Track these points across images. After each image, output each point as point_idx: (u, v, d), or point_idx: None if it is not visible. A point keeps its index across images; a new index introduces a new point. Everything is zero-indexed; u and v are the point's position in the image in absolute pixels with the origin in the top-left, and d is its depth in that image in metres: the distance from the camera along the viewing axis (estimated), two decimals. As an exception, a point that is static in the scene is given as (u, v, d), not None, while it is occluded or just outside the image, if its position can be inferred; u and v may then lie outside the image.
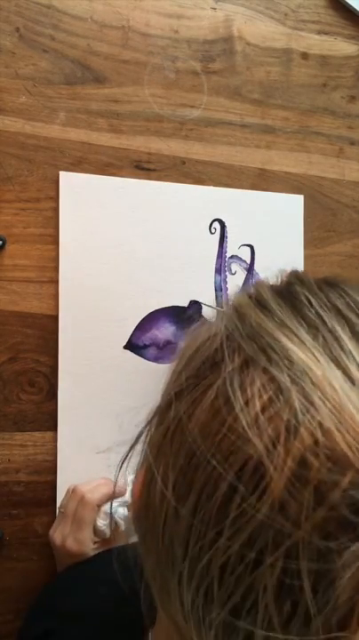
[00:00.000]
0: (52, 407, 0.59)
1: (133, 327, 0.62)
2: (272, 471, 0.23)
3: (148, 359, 0.62)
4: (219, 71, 0.67)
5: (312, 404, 0.24)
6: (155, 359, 0.63)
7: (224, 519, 0.24)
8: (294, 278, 0.33)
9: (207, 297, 0.65)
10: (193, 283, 0.65)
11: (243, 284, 0.67)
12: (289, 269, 0.35)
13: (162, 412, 0.30)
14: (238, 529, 0.24)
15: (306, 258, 0.70)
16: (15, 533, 0.58)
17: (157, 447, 0.29)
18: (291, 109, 0.70)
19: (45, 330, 0.59)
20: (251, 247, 0.67)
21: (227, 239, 0.66)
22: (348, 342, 0.26)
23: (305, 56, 0.71)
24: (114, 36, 0.62)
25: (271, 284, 0.33)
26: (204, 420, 0.26)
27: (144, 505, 0.29)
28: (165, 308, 0.63)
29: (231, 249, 0.66)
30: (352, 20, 0.73)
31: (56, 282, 0.60)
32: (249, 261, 0.67)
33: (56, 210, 0.60)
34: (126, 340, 0.62)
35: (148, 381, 0.62)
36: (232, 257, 0.67)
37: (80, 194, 0.60)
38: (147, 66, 0.63)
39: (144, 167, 0.63)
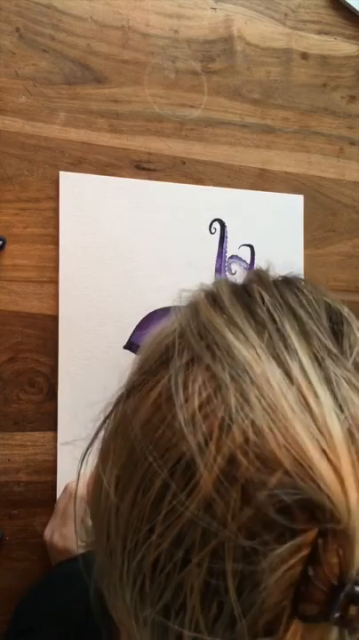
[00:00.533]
0: (52, 407, 0.59)
1: (133, 327, 0.62)
2: (202, 469, 0.23)
3: (148, 359, 0.62)
4: (219, 71, 0.67)
5: (247, 401, 0.24)
6: (155, 359, 0.63)
7: (156, 516, 0.24)
8: (254, 275, 0.32)
9: (207, 297, 0.65)
10: (193, 283, 0.64)
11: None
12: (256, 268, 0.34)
13: (113, 408, 0.31)
14: (168, 526, 0.24)
15: (305, 258, 0.70)
16: (15, 533, 0.58)
17: (105, 443, 0.30)
18: (291, 109, 0.70)
19: (45, 330, 0.59)
20: (251, 247, 0.67)
21: (227, 239, 0.66)
22: (295, 340, 0.26)
23: (305, 56, 0.71)
24: (114, 36, 0.62)
25: (230, 282, 0.33)
26: (146, 416, 0.26)
27: (93, 500, 0.30)
28: (165, 307, 0.63)
29: (231, 249, 0.66)
30: (352, 20, 0.73)
31: (56, 282, 0.60)
32: (249, 261, 0.67)
33: (56, 210, 0.60)
34: (126, 340, 0.62)
35: (148, 381, 0.62)
36: (232, 257, 0.67)
37: (80, 194, 0.60)
38: (147, 66, 0.63)
39: (144, 167, 0.63)
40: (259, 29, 0.68)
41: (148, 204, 0.63)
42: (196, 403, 0.25)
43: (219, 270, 0.66)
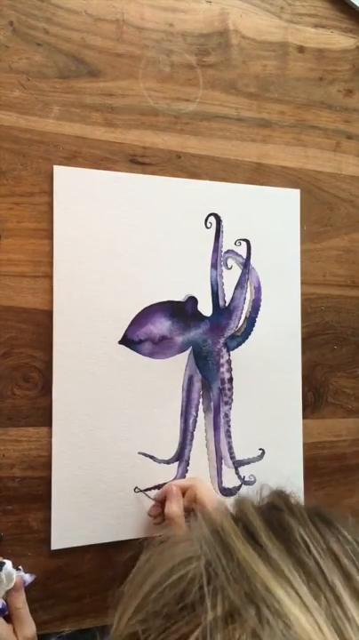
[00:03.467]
0: (47, 402, 0.59)
1: (128, 322, 0.62)
2: None
3: (144, 354, 0.62)
4: (215, 65, 0.66)
5: None
6: (151, 354, 0.62)
7: None
8: (281, 503, 0.29)
9: (203, 292, 0.65)
10: (188, 277, 0.64)
11: (239, 278, 0.67)
12: (270, 486, 0.31)
13: None
14: None
15: (302, 252, 0.70)
16: (10, 529, 0.58)
17: None
18: (287, 103, 0.70)
19: (40, 325, 0.59)
20: (248, 242, 0.67)
21: (223, 234, 0.66)
22: (350, 605, 0.23)
23: (301, 49, 0.71)
24: (108, 29, 0.62)
25: (255, 504, 0.29)
26: None
27: None
28: (161, 302, 0.63)
29: (227, 243, 0.66)
30: (348, 13, 0.73)
31: (50, 276, 0.59)
32: (245, 256, 0.67)
33: (50, 204, 0.59)
34: (121, 335, 0.61)
35: (144, 376, 0.62)
36: (228, 251, 0.66)
37: (74, 188, 0.60)
38: (141, 59, 0.63)
39: (139, 161, 0.63)
40: (254, 23, 0.68)
41: (143, 199, 0.63)
42: None
43: (214, 265, 0.65)
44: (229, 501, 0.65)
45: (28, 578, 0.55)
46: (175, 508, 0.58)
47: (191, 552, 0.26)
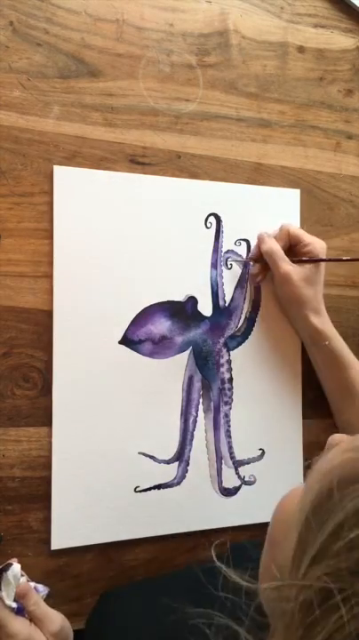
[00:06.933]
0: (47, 402, 0.59)
1: (128, 322, 0.62)
2: None
3: (144, 354, 0.62)
4: (215, 65, 0.66)
5: None
6: (151, 354, 0.62)
7: None
8: None
9: (203, 292, 0.65)
10: (188, 277, 0.64)
11: (239, 278, 0.67)
12: None
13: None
14: None
15: (302, 252, 0.70)
16: (10, 529, 0.58)
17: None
18: (287, 103, 0.70)
19: (40, 325, 0.59)
20: (248, 242, 0.67)
21: (223, 233, 0.66)
22: None
23: (301, 49, 0.71)
24: (108, 29, 0.62)
25: None
26: None
27: None
28: (161, 302, 0.63)
29: (227, 243, 0.66)
30: (348, 13, 0.73)
31: (50, 276, 0.59)
32: (245, 256, 0.67)
33: (50, 204, 0.59)
34: (121, 335, 0.61)
35: (144, 376, 0.62)
36: (228, 251, 0.66)
37: (74, 188, 0.60)
38: (141, 59, 0.63)
39: (139, 161, 0.63)
40: (254, 23, 0.68)
41: (143, 199, 0.63)
42: None
43: (214, 265, 0.65)
44: (228, 502, 0.65)
45: (42, 589, 0.53)
46: (271, 243, 0.63)
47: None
